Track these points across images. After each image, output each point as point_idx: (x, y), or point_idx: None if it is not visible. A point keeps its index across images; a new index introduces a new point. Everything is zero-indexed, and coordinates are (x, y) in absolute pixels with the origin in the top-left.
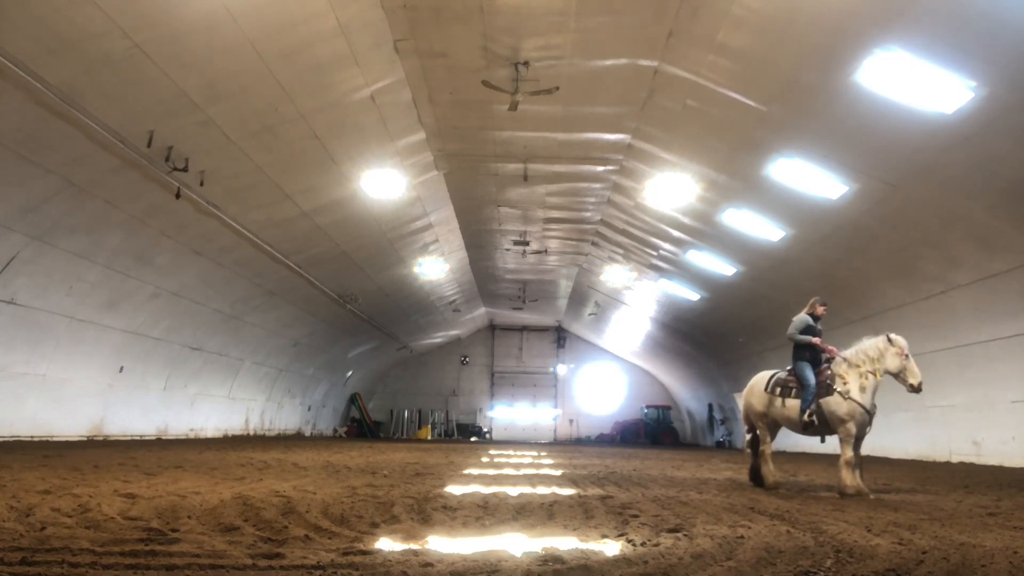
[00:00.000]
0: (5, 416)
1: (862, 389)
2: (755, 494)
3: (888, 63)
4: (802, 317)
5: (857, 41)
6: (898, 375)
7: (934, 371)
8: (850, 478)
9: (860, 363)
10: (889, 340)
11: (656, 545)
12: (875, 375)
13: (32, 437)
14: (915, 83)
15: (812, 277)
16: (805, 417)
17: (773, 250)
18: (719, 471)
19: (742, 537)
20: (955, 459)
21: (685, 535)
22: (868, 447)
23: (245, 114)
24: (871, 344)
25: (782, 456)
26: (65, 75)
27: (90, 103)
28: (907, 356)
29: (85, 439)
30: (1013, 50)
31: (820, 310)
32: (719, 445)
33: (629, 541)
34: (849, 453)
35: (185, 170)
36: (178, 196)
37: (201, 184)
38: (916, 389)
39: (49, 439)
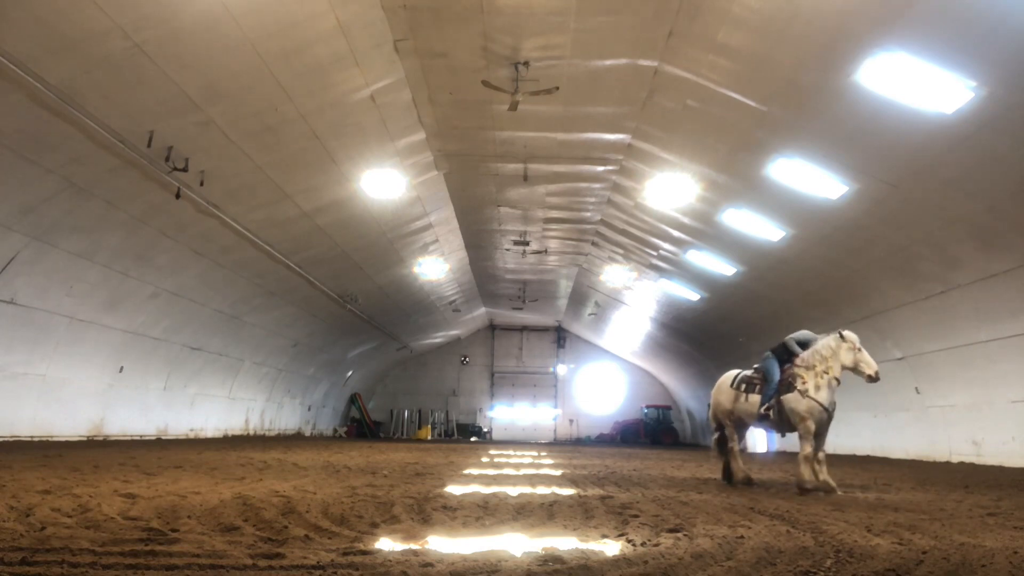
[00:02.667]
0: (5, 416)
1: (817, 388)
2: (755, 494)
3: (888, 63)
4: (810, 337)
5: (857, 41)
6: (855, 368)
7: (934, 371)
8: (808, 473)
9: (815, 363)
10: (841, 336)
11: (656, 545)
12: (828, 373)
13: (32, 437)
14: (915, 83)
15: (812, 277)
16: (762, 410)
17: (773, 250)
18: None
19: (742, 537)
20: (955, 459)
21: (685, 535)
22: (868, 447)
23: (245, 114)
24: (823, 344)
25: (783, 456)
26: (65, 75)
27: (90, 103)
28: (859, 349)
29: (85, 439)
30: (1013, 50)
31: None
32: None
33: (629, 541)
34: (808, 449)
35: (185, 170)
36: (178, 196)
37: (201, 184)
38: (873, 379)
39: (49, 439)
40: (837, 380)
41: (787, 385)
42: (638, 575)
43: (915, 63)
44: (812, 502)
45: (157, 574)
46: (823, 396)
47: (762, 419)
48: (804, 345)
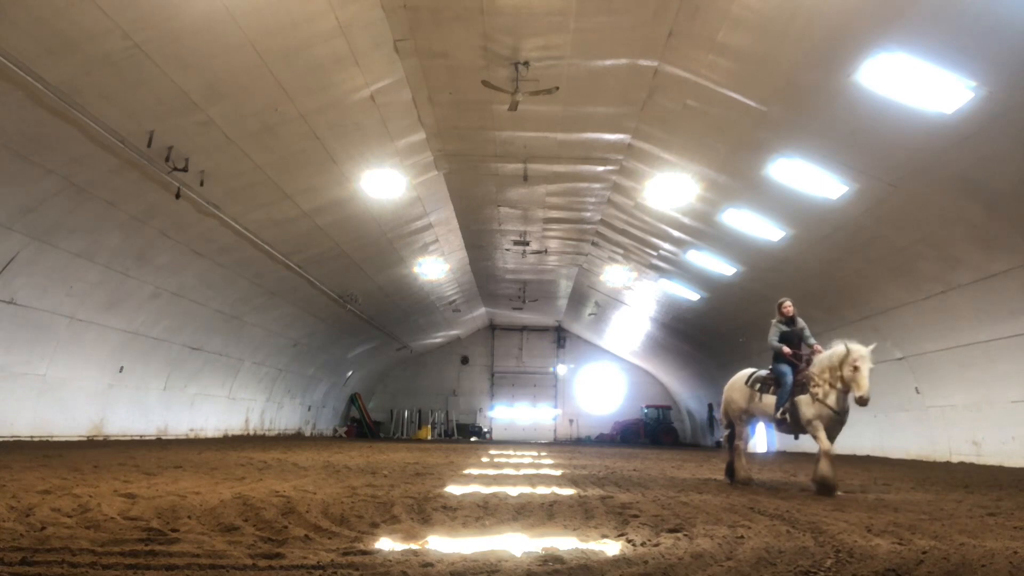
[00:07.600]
0: (5, 416)
1: (826, 394)
2: (755, 494)
3: (888, 63)
4: (775, 326)
5: (857, 41)
6: (848, 384)
7: (934, 371)
8: (828, 468)
9: (823, 371)
10: (847, 349)
11: (656, 545)
12: (834, 385)
13: (32, 437)
14: (915, 83)
15: (812, 277)
16: (778, 414)
17: (773, 250)
18: (719, 471)
19: (742, 537)
20: (955, 459)
21: (685, 535)
22: (868, 447)
23: (245, 114)
24: (831, 353)
25: (783, 456)
26: (65, 75)
27: (90, 103)
28: (856, 368)
29: (85, 439)
30: (1013, 50)
31: (789, 310)
32: (719, 445)
33: (629, 541)
34: (826, 444)
35: (185, 170)
36: (178, 196)
37: (201, 184)
38: (861, 402)
39: (49, 439)
40: (843, 390)
41: (801, 386)
42: (638, 575)
43: (915, 63)
44: (812, 502)
45: (157, 574)
46: (835, 401)
47: (780, 423)
48: (785, 336)
